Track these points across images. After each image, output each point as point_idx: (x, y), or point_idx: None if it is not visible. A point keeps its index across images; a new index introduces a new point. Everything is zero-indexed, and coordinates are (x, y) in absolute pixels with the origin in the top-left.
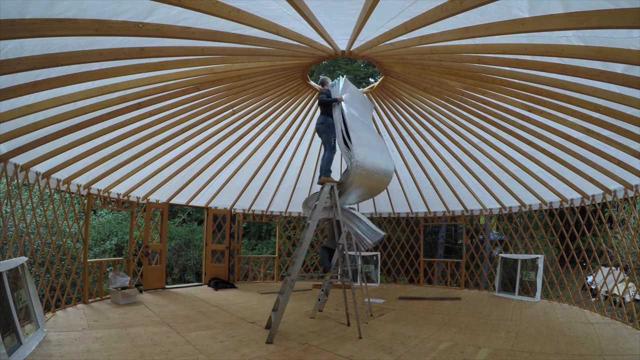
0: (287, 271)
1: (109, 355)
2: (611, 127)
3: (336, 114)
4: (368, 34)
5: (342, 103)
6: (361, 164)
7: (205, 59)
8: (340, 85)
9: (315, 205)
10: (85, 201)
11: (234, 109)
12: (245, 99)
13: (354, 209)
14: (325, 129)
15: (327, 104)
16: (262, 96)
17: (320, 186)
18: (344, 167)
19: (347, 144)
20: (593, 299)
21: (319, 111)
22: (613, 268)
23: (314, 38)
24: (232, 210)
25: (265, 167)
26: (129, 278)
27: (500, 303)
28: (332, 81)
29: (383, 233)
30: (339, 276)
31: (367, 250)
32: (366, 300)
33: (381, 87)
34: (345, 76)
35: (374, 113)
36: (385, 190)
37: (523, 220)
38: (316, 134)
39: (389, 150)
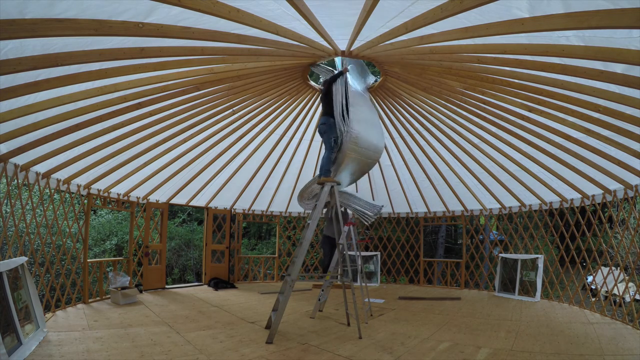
0: (287, 271)
1: (109, 355)
2: (611, 127)
3: (338, 85)
4: (368, 34)
5: (347, 74)
6: (354, 139)
7: (205, 59)
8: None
9: (316, 205)
10: (85, 201)
11: (234, 109)
12: (245, 99)
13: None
14: (327, 129)
15: (329, 100)
16: (262, 96)
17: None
18: None
19: (344, 117)
20: (593, 299)
21: (319, 111)
22: (613, 268)
23: (314, 38)
24: (232, 210)
25: (265, 167)
26: (129, 278)
27: (500, 303)
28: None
29: (381, 205)
30: (339, 276)
31: (369, 228)
32: (366, 300)
33: (381, 87)
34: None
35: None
36: (379, 165)
37: (523, 220)
38: (317, 134)
39: (382, 127)
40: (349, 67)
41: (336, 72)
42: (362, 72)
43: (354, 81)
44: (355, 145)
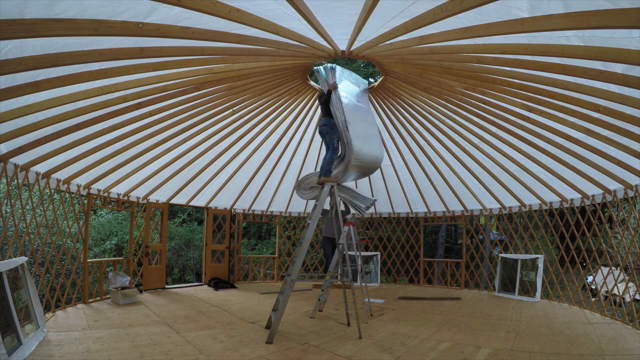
0: (287, 271)
1: (109, 355)
2: (611, 127)
3: (334, 102)
4: (368, 34)
5: (340, 91)
6: (356, 155)
7: (205, 59)
8: (336, 74)
9: (315, 205)
10: (85, 201)
11: (234, 109)
12: (245, 99)
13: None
14: (329, 130)
15: (327, 103)
16: (262, 96)
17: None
18: None
19: (345, 134)
20: (593, 299)
21: (319, 111)
22: (613, 268)
23: (314, 38)
24: (232, 210)
25: (265, 167)
26: (129, 278)
27: (500, 303)
28: (322, 69)
29: (374, 198)
30: (339, 276)
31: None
32: (366, 300)
33: (381, 87)
34: (331, 65)
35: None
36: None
37: (523, 220)
38: (317, 135)
39: (382, 138)
40: (337, 83)
41: (326, 87)
42: (350, 77)
43: (348, 94)
44: (356, 161)
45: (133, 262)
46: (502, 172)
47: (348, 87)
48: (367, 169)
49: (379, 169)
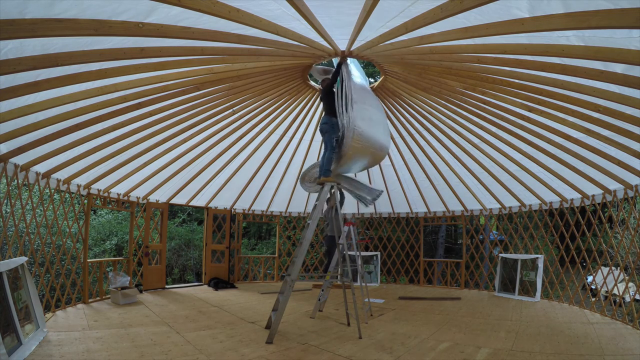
0: (287, 271)
1: (109, 355)
2: (611, 127)
3: (343, 76)
4: (368, 34)
5: (351, 69)
6: (358, 135)
7: (205, 59)
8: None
9: (316, 205)
10: (85, 201)
11: (234, 109)
12: (245, 99)
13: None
14: (329, 129)
15: (328, 96)
16: (262, 96)
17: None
18: None
19: (346, 110)
20: (593, 299)
21: (319, 111)
22: (613, 268)
23: (314, 38)
24: (232, 210)
25: (265, 167)
26: (129, 278)
27: (500, 303)
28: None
29: (380, 190)
30: (339, 276)
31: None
32: (366, 300)
33: (381, 87)
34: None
35: None
36: (379, 165)
37: (523, 220)
38: (317, 135)
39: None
40: (349, 61)
41: (334, 68)
42: (360, 70)
43: (358, 75)
44: (358, 142)
45: (133, 262)
46: (502, 172)
47: (356, 72)
48: (371, 155)
49: (377, 165)
